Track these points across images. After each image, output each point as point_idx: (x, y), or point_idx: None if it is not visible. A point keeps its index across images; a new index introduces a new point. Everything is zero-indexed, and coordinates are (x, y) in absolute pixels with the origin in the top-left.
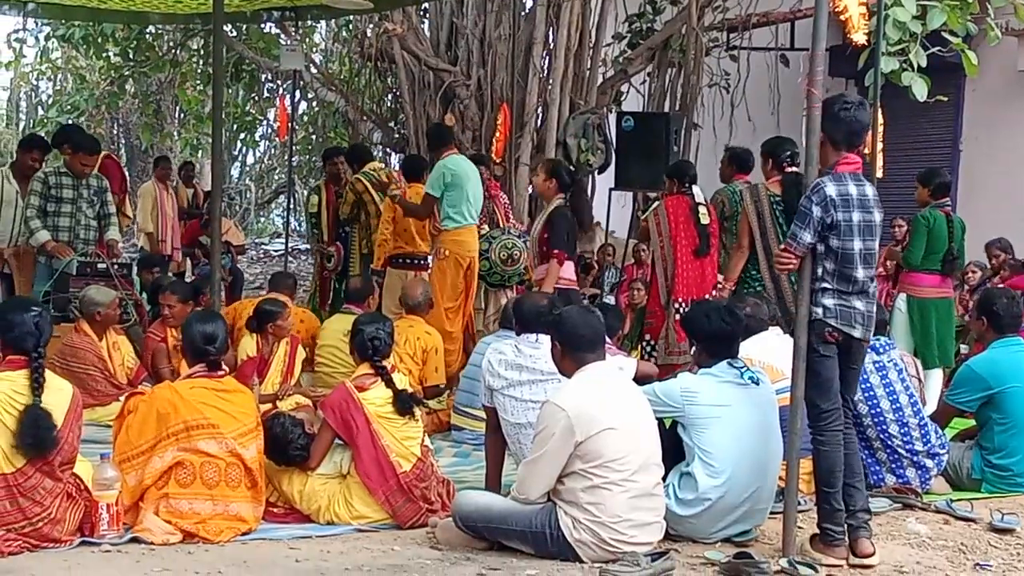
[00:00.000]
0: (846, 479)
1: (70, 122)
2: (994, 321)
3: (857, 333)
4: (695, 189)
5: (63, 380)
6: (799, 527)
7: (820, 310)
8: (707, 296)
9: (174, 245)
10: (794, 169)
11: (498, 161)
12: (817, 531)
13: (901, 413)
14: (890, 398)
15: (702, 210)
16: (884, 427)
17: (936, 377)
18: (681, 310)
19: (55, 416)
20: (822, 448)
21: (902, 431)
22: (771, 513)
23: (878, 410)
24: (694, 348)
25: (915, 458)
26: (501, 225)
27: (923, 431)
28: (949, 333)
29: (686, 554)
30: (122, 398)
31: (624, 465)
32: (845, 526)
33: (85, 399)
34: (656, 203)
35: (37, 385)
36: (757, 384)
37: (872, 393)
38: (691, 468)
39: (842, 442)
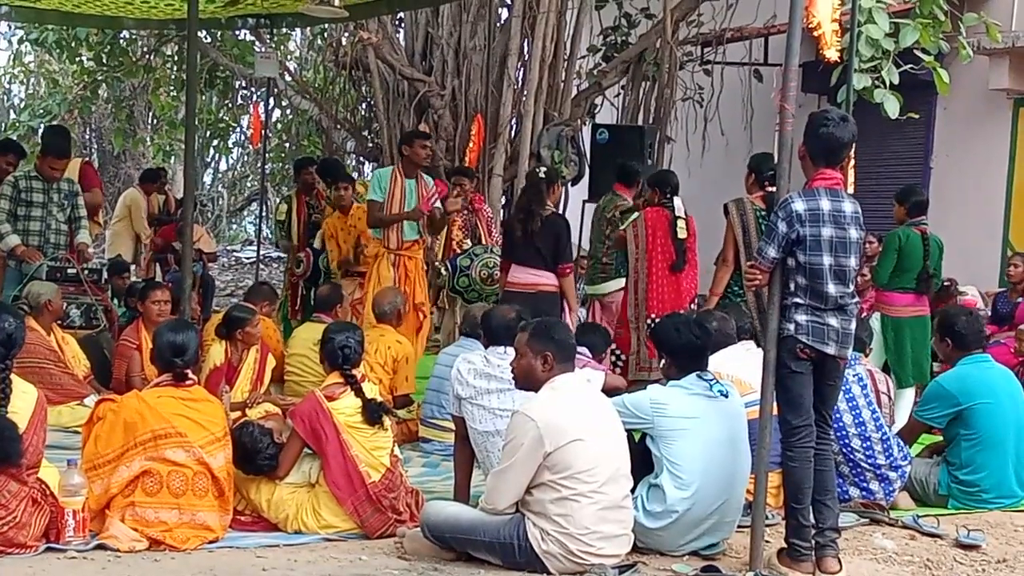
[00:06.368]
0: (817, 496)
1: (49, 124)
2: (957, 340)
3: (831, 350)
4: (676, 201)
5: (28, 384)
6: (766, 541)
7: (792, 326)
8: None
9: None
10: (771, 189)
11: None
12: (784, 545)
13: (864, 427)
14: (853, 412)
15: (680, 224)
16: (846, 441)
17: (908, 396)
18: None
19: (20, 422)
20: (791, 464)
21: (864, 445)
22: (739, 527)
23: (840, 424)
24: (663, 361)
25: (878, 471)
26: (483, 241)
27: (885, 444)
28: (925, 351)
29: (653, 567)
30: (89, 401)
31: (593, 477)
32: (812, 542)
33: (48, 395)
34: (636, 214)
35: (4, 396)
36: (726, 397)
37: (835, 407)
38: (659, 480)
39: (812, 458)
